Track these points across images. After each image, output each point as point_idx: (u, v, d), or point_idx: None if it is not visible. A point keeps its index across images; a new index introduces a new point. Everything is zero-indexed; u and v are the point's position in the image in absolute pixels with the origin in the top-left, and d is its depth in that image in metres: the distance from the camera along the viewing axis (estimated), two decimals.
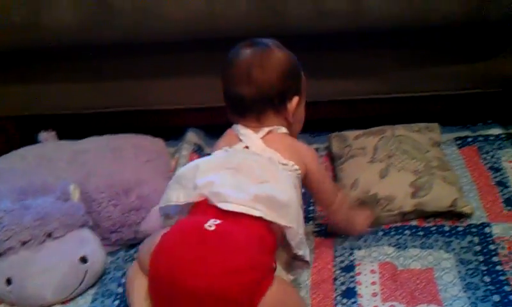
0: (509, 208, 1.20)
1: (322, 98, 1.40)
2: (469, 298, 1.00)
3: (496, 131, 1.43)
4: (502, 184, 1.26)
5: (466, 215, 1.18)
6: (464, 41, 1.36)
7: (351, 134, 1.38)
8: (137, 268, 1.00)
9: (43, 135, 1.44)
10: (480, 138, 1.41)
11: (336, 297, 1.04)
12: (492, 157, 1.34)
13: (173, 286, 0.88)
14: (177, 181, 1.02)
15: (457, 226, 1.16)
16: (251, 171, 0.99)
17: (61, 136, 1.45)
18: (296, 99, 1.08)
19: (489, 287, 1.02)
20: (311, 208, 1.26)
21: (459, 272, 1.06)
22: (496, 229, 1.14)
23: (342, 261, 1.11)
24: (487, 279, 1.04)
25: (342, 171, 1.30)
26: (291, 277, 1.02)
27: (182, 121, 1.52)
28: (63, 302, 1.10)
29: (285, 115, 1.08)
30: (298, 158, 1.05)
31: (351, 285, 1.05)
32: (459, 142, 1.42)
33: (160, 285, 0.91)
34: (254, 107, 1.06)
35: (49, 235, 1.11)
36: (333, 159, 1.39)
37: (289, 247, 0.97)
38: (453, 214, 1.18)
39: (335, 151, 1.38)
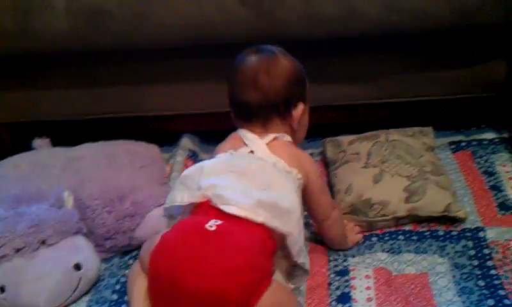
0: (503, 212, 1.20)
1: (322, 103, 1.40)
2: (464, 302, 1.01)
3: (490, 135, 1.43)
4: (496, 188, 1.26)
5: (460, 220, 1.18)
6: (457, 47, 1.36)
7: (345, 139, 1.38)
8: (138, 268, 0.99)
9: (37, 142, 1.44)
10: (474, 142, 1.41)
11: (331, 302, 1.04)
12: (486, 161, 1.35)
13: (173, 286, 0.88)
14: (182, 182, 1.02)
15: (451, 231, 1.17)
16: (256, 176, 0.99)
17: (56, 143, 1.45)
18: (301, 106, 1.08)
19: (484, 291, 1.02)
20: (304, 212, 1.25)
21: (454, 276, 1.06)
22: (491, 234, 1.14)
23: (336, 266, 1.11)
24: (481, 283, 1.04)
25: (336, 176, 1.30)
26: (291, 286, 1.02)
27: (177, 127, 1.52)
28: None
29: (290, 121, 1.09)
30: (301, 168, 1.05)
31: (346, 290, 1.06)
32: (453, 146, 1.42)
33: (159, 284, 0.91)
34: (260, 113, 1.06)
35: (43, 242, 1.11)
36: (327, 164, 1.39)
37: (289, 256, 0.97)
38: (447, 219, 1.18)
39: (329, 156, 1.38)
